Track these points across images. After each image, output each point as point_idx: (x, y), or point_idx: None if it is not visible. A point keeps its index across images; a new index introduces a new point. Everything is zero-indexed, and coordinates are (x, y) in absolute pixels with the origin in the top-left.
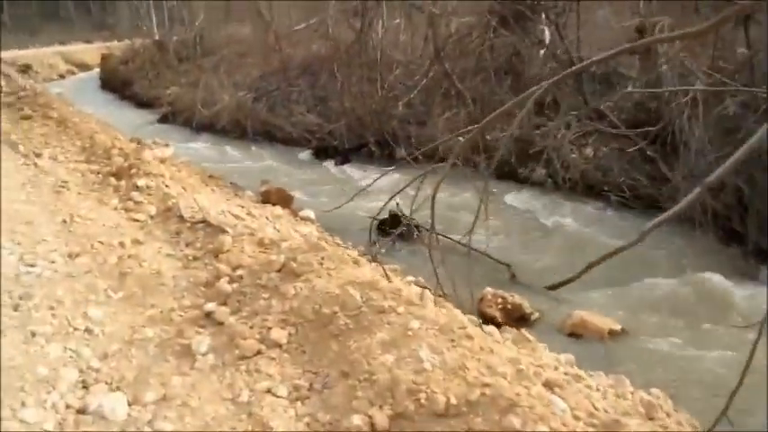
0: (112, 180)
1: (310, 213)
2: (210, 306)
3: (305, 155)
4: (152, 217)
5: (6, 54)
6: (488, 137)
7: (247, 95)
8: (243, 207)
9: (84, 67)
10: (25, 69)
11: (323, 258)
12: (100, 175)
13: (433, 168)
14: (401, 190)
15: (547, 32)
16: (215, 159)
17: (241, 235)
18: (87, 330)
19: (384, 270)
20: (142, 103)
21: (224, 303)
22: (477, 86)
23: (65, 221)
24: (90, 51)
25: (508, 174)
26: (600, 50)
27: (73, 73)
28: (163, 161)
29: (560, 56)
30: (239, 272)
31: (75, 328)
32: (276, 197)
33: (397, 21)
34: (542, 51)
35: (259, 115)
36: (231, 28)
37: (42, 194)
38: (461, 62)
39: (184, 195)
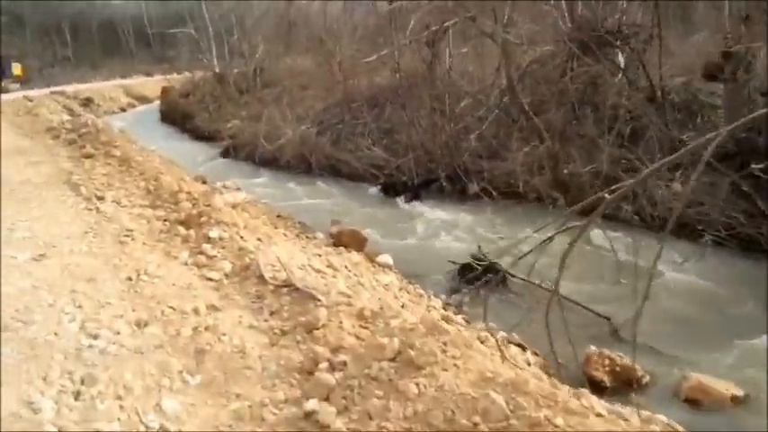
0: (181, 229)
1: (388, 259)
2: (311, 404)
3: (373, 191)
4: (227, 275)
5: (69, 88)
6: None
7: (311, 129)
8: (320, 255)
9: (144, 99)
10: (87, 103)
11: (445, 344)
12: (167, 223)
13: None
14: (545, 241)
15: (621, 59)
16: (280, 197)
17: (336, 305)
18: (162, 429)
19: (502, 352)
20: (203, 137)
21: (326, 399)
22: (552, 118)
23: (130, 279)
24: (150, 84)
25: (590, 210)
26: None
27: (133, 106)
28: (234, 206)
29: (639, 84)
30: (341, 356)
31: (148, 428)
32: (349, 239)
33: (465, 50)
34: (619, 79)
35: (324, 149)
36: (291, 60)
37: (105, 245)
38: (535, 92)
39: (263, 250)
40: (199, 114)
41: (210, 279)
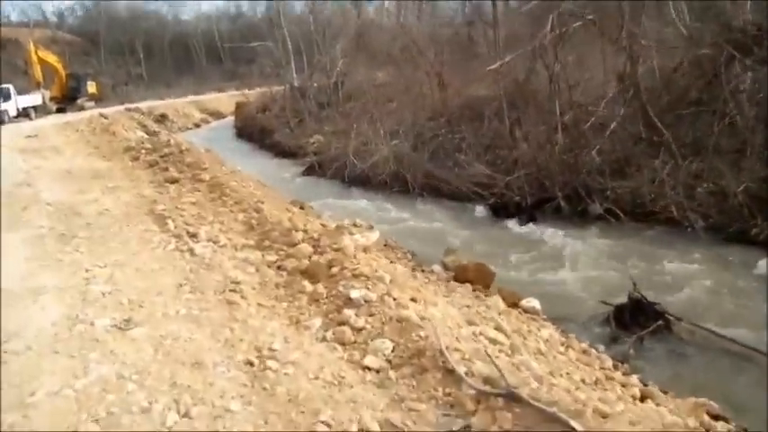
0: (306, 284)
1: (536, 304)
2: None
3: (480, 211)
4: (392, 363)
5: (143, 105)
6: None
7: (404, 144)
8: (472, 308)
9: (217, 115)
10: (161, 119)
11: None
12: (283, 273)
13: None
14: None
15: None
16: (377, 219)
17: None
18: None
19: None
20: (284, 153)
21: None
22: (686, 129)
23: (251, 364)
24: (222, 100)
25: (737, 235)
26: None
27: (207, 122)
28: (366, 250)
29: None
30: None
31: None
32: (475, 275)
33: (570, 57)
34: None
35: (421, 167)
36: (371, 72)
37: (208, 305)
38: (662, 101)
39: (432, 321)
40: (278, 130)
41: (368, 368)
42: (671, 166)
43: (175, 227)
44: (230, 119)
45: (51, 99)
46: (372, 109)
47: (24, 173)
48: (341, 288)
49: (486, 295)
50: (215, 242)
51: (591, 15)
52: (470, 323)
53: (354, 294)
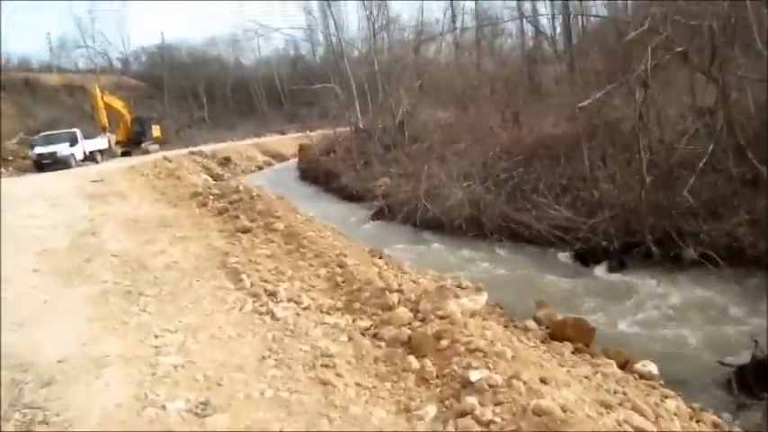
0: (411, 360)
1: (651, 367)
2: None
3: (563, 257)
4: None
5: (206, 148)
6: None
7: (476, 186)
8: (592, 380)
9: (280, 157)
10: (225, 162)
11: None
12: (381, 344)
13: None
14: None
15: None
16: (455, 267)
17: None
18: None
19: None
20: (351, 196)
21: None
22: None
23: None
24: (284, 142)
25: None
26: None
27: (270, 164)
28: (473, 315)
29: None
30: None
31: None
32: (574, 332)
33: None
34: None
35: (497, 210)
36: (432, 113)
37: (298, 386)
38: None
39: (575, 415)
40: (344, 172)
41: None
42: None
43: (251, 284)
44: (293, 161)
45: (117, 143)
46: (439, 150)
47: (89, 221)
48: (455, 366)
49: (592, 356)
50: (297, 303)
51: (680, 47)
52: (606, 406)
53: (475, 376)
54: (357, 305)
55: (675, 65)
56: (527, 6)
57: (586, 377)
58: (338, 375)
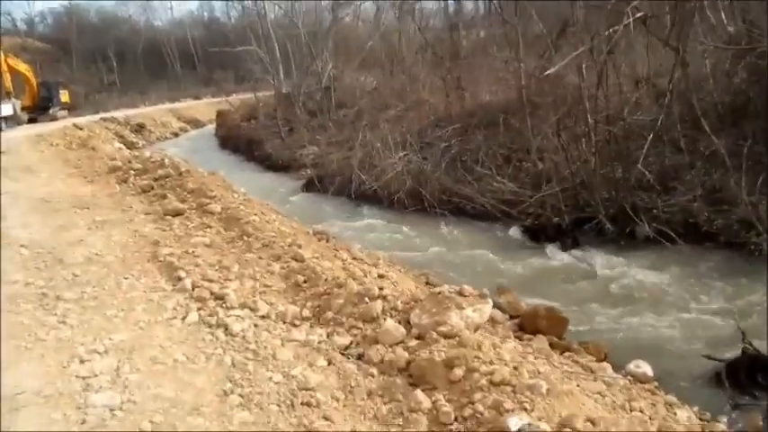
0: (419, 396)
1: (646, 368)
2: None
3: (513, 234)
4: None
5: (118, 114)
6: None
7: (413, 156)
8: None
9: (195, 123)
10: (139, 129)
11: None
12: (371, 370)
13: None
14: None
15: None
16: (397, 245)
17: None
18: None
19: None
20: (276, 166)
21: None
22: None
23: None
24: (199, 108)
25: None
26: None
27: (185, 131)
28: (477, 329)
29: None
30: None
31: None
32: (546, 323)
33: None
34: None
35: (438, 182)
36: (358, 77)
37: None
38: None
39: None
40: (268, 140)
41: None
42: (723, 179)
43: (193, 284)
44: (210, 128)
45: (23, 109)
46: (369, 117)
47: None
48: (480, 406)
49: (576, 355)
50: (252, 310)
51: (640, 12)
52: None
53: (514, 424)
54: (329, 314)
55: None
56: None
57: (599, 393)
58: (326, 419)
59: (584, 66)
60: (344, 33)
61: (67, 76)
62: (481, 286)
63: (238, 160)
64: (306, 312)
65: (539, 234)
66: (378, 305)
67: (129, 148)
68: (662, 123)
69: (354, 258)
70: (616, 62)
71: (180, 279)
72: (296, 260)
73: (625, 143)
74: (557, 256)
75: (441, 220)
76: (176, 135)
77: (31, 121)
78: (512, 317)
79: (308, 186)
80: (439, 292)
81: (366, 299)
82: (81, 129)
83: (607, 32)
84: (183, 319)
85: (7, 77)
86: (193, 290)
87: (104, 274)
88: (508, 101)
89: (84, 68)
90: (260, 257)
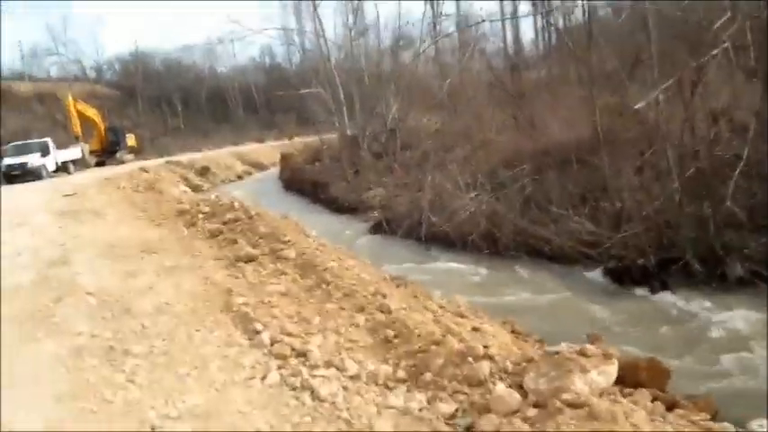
0: None
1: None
2: None
3: (594, 277)
4: None
5: (183, 157)
6: None
7: (484, 197)
8: None
9: (259, 166)
10: (204, 172)
11: None
12: None
13: None
14: None
15: None
16: (474, 289)
17: None
18: None
19: None
20: (342, 209)
21: None
22: None
23: None
24: (262, 150)
25: None
26: None
27: (249, 173)
28: (602, 395)
29: None
30: None
31: None
32: (648, 375)
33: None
34: None
35: (513, 223)
36: (420, 119)
37: None
38: None
39: None
40: (333, 182)
41: None
42: None
43: (271, 338)
44: (273, 170)
45: (91, 153)
46: (435, 157)
47: (59, 246)
48: None
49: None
50: (340, 369)
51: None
52: None
53: None
54: (428, 376)
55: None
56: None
57: None
58: None
59: (661, 99)
60: (405, 74)
61: (134, 120)
62: (568, 334)
63: (304, 203)
64: (400, 373)
65: (623, 277)
66: (484, 366)
67: (194, 191)
68: (748, 158)
69: (441, 307)
70: (703, 94)
71: (257, 332)
72: (382, 311)
73: (712, 179)
74: (645, 300)
75: (516, 262)
76: (240, 178)
77: (99, 164)
78: None
79: (376, 229)
80: (556, 352)
81: (469, 359)
82: (147, 171)
83: (695, 64)
84: (263, 379)
85: (76, 122)
86: (272, 345)
87: (174, 325)
88: (581, 138)
89: (150, 113)
90: (342, 308)
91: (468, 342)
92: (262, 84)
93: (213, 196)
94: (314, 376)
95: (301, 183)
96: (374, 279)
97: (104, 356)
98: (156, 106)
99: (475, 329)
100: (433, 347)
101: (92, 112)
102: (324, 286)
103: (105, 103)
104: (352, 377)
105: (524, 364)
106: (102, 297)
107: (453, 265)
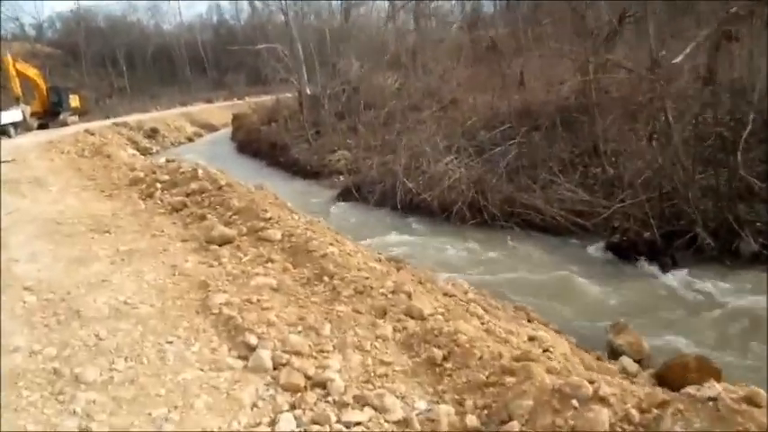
0: None
1: None
2: None
3: (596, 251)
4: None
5: (130, 119)
6: None
7: (465, 161)
8: None
9: (209, 128)
10: (153, 134)
11: None
12: None
13: None
14: None
15: None
16: (466, 265)
17: None
18: None
19: None
20: (304, 172)
21: None
22: None
23: None
24: (212, 111)
25: None
26: None
27: (200, 135)
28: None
29: None
30: None
31: None
32: (697, 377)
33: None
34: None
35: (500, 191)
36: (382, 77)
37: None
38: None
39: None
40: (293, 144)
41: None
42: None
43: (273, 359)
44: (224, 132)
45: (32, 114)
46: (401, 118)
47: None
48: None
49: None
50: (379, 410)
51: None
52: None
53: None
54: (515, 427)
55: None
56: None
57: None
58: None
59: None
60: (359, 33)
61: (77, 80)
62: (572, 315)
63: (260, 166)
64: (470, 420)
65: (628, 251)
66: (603, 415)
67: (142, 154)
68: (749, 123)
69: (447, 294)
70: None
71: (250, 347)
72: (412, 317)
73: (722, 145)
74: (656, 279)
75: (506, 233)
76: (190, 140)
77: (41, 127)
78: (638, 361)
79: (345, 195)
80: (711, 398)
81: (574, 401)
82: (93, 134)
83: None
84: (273, 425)
85: (16, 83)
86: (275, 369)
87: (139, 335)
88: (566, 98)
89: (94, 73)
90: (357, 311)
91: (570, 380)
92: (210, 42)
93: (164, 159)
94: (345, 423)
95: (257, 144)
96: (385, 269)
97: (48, 386)
98: (101, 66)
99: (531, 339)
100: (509, 379)
101: (32, 72)
102: (326, 279)
103: (47, 62)
104: (398, 422)
105: (655, 411)
106: (45, 294)
107: (437, 238)
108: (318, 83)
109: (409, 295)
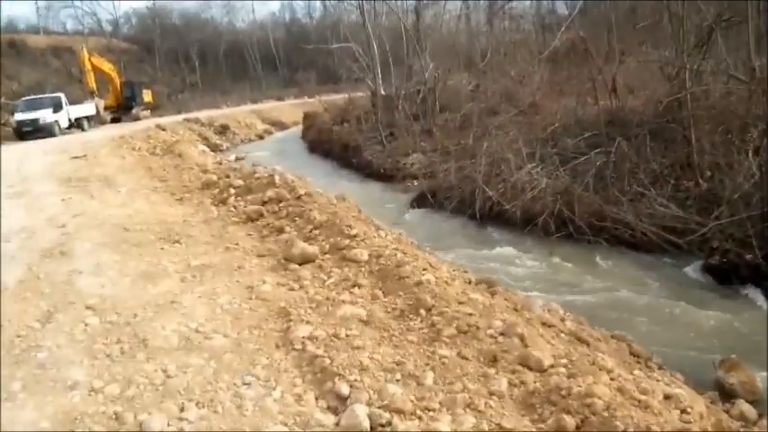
0: None
1: None
2: None
3: (694, 272)
4: None
5: (201, 114)
6: None
7: (550, 170)
8: None
9: (280, 125)
10: (223, 130)
11: None
12: None
13: None
14: None
15: None
16: (548, 282)
17: None
18: None
19: None
20: (377, 175)
21: None
22: None
23: None
24: (283, 109)
25: None
26: None
27: (270, 133)
28: None
29: None
30: None
31: None
32: None
33: None
34: None
35: (588, 204)
36: (458, 79)
37: None
38: None
39: None
40: (366, 146)
41: None
42: None
43: (371, 418)
44: (295, 130)
45: (106, 108)
46: (478, 122)
47: (59, 228)
48: None
49: None
50: None
51: None
52: None
53: None
54: None
55: None
56: None
57: None
58: None
59: None
60: (432, 33)
61: (150, 76)
62: (688, 354)
63: (333, 167)
64: None
65: (728, 274)
66: None
67: (212, 151)
68: None
69: (546, 325)
70: None
71: (342, 398)
72: (530, 368)
73: None
74: (763, 308)
75: (593, 249)
76: (261, 137)
77: (114, 120)
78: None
79: (420, 201)
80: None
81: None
82: (164, 130)
83: None
84: None
85: (91, 77)
86: (373, 430)
87: (212, 374)
88: (658, 106)
89: (167, 69)
90: (462, 356)
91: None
92: (281, 39)
93: (234, 157)
94: None
95: (329, 145)
96: (487, 301)
97: None
98: (174, 62)
99: (667, 397)
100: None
101: (107, 67)
102: (423, 313)
103: (121, 57)
104: None
105: None
106: (108, 316)
107: (520, 251)
108: (392, 83)
109: (522, 338)
